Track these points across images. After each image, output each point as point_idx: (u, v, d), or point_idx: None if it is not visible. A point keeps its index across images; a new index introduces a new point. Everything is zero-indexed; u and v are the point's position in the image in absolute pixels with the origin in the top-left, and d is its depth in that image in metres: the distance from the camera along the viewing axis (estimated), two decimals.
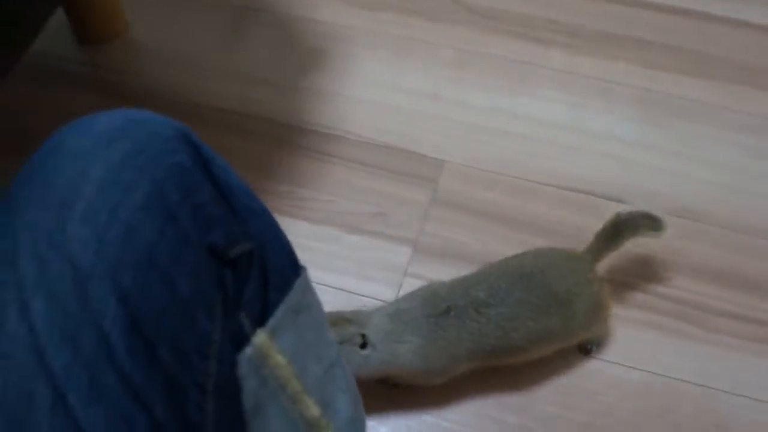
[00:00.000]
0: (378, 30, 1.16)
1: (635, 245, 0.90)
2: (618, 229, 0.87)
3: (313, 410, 0.53)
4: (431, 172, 1.01)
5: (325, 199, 0.99)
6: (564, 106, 1.09)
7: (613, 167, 1.04)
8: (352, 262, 0.93)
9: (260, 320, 0.51)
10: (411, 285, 0.90)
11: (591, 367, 0.87)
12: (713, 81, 1.13)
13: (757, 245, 0.98)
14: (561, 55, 1.14)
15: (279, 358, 0.51)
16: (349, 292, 0.91)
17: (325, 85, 1.10)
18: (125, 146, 0.47)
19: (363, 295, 0.90)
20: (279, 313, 0.52)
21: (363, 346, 0.76)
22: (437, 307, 0.78)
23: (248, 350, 0.49)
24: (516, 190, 1.00)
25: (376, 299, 0.90)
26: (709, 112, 1.10)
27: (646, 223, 0.87)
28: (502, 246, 0.94)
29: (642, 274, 0.94)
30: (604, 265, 0.89)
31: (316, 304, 0.56)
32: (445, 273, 0.87)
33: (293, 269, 0.55)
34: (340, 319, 0.77)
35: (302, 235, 0.94)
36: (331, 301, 0.89)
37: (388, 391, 0.84)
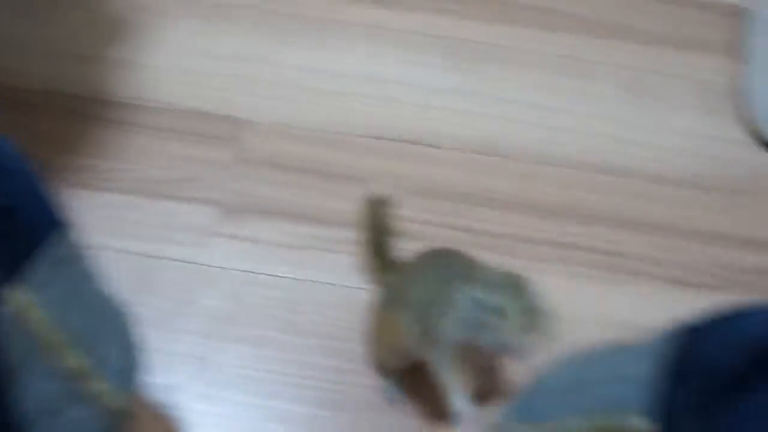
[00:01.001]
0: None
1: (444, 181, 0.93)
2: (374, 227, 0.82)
3: (76, 362, 0.52)
4: (238, 133, 1.01)
5: (130, 168, 0.97)
6: (368, 59, 1.11)
7: (418, 114, 1.07)
8: (159, 228, 0.93)
9: (16, 275, 0.50)
10: (218, 245, 0.91)
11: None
12: (515, 26, 1.17)
13: (559, 174, 1.03)
14: (363, 11, 1.16)
15: (35, 313, 0.50)
16: (157, 257, 0.90)
17: (131, 55, 1.08)
18: None
19: (172, 259, 0.90)
20: (38, 267, 0.51)
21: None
22: None
23: (3, 308, 0.49)
24: (324, 143, 1.02)
25: (185, 261, 0.90)
26: (510, 55, 1.14)
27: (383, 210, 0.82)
28: (310, 198, 0.96)
29: (455, 212, 0.98)
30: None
31: (80, 256, 0.56)
32: (256, 229, 0.88)
33: (55, 223, 0.54)
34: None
35: (109, 206, 0.93)
36: (139, 268, 0.88)
37: None
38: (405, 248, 0.91)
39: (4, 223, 0.50)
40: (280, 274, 0.90)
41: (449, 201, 0.99)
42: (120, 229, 0.91)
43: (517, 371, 0.84)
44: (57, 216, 0.55)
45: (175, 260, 0.90)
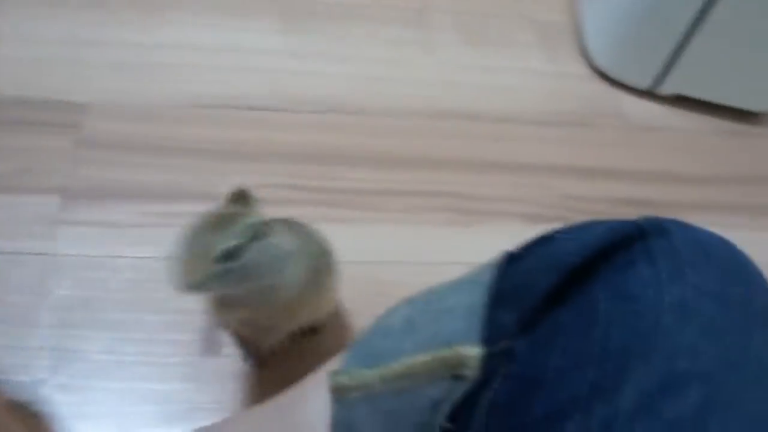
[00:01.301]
0: None
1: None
2: None
3: None
4: (76, 118, 0.99)
5: None
6: (201, 28, 1.10)
7: (259, 79, 1.06)
8: (2, 223, 0.90)
9: None
10: (66, 233, 0.89)
11: None
12: None
13: (406, 125, 1.04)
14: None
15: None
16: (3, 253, 0.87)
17: None
18: None
19: (20, 253, 0.87)
20: None
21: (266, 231, 0.66)
22: None
23: None
24: (167, 120, 1.00)
25: (33, 254, 0.87)
26: (346, 11, 1.15)
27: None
28: (159, 174, 0.94)
29: (303, 174, 0.98)
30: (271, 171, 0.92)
31: None
32: (102, 212, 0.87)
33: None
34: None
35: None
36: None
37: None
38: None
39: None
40: (129, 255, 0.89)
41: (296, 163, 0.99)
42: None
43: None
44: None
45: (23, 253, 0.87)
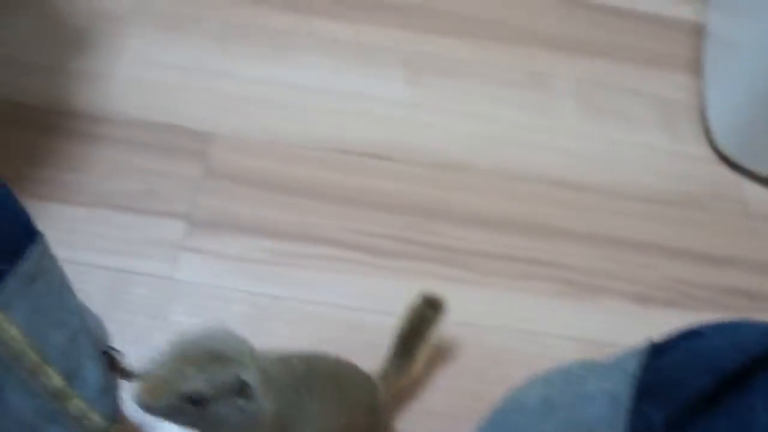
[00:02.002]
0: (142, 8, 1.14)
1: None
2: (408, 342, 0.79)
3: (56, 380, 0.52)
4: (201, 146, 1.01)
5: (91, 181, 0.96)
6: (328, 72, 1.12)
7: (379, 128, 1.07)
8: (124, 242, 0.92)
9: None
10: (186, 259, 0.91)
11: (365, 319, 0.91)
12: (476, 39, 1.19)
13: (517, 188, 1.04)
14: (323, 23, 1.17)
15: (11, 330, 0.50)
16: (125, 272, 0.89)
17: (90, 66, 1.07)
18: None
19: (140, 273, 0.89)
20: (10, 283, 0.51)
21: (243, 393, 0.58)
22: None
23: None
24: (286, 157, 1.02)
25: (153, 276, 0.89)
26: (471, 69, 1.16)
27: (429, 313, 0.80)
28: (276, 212, 0.96)
29: (413, 227, 0.99)
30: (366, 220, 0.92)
31: (55, 270, 0.56)
32: (220, 243, 0.88)
33: (26, 237, 0.54)
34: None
35: (71, 219, 0.92)
36: (106, 283, 0.87)
37: None
38: (362, 261, 0.92)
39: None
40: (244, 289, 0.90)
41: (407, 215, 1.00)
42: (85, 242, 0.90)
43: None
44: (30, 229, 0.54)
45: (142, 274, 0.89)
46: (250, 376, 0.57)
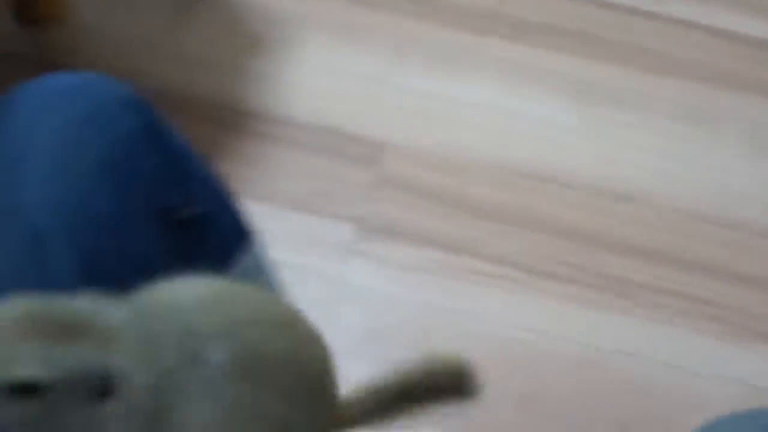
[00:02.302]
0: (322, 15, 1.17)
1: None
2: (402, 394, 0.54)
3: None
4: (373, 153, 1.03)
5: (266, 178, 1.00)
6: (500, 92, 1.12)
7: (550, 153, 1.07)
8: (295, 241, 0.95)
9: None
10: (357, 262, 0.93)
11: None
12: (643, 71, 1.17)
13: (692, 227, 1.02)
14: (501, 45, 1.17)
15: None
16: (298, 269, 0.92)
17: (269, 68, 1.11)
18: (78, 107, 0.48)
19: (313, 272, 0.92)
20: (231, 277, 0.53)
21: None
22: None
23: None
24: (458, 173, 1.03)
25: (326, 276, 0.92)
26: (641, 100, 1.14)
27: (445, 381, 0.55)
28: (445, 225, 0.97)
29: (577, 252, 0.98)
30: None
31: (269, 265, 0.58)
32: (389, 250, 0.90)
33: (244, 233, 0.56)
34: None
35: (246, 214, 0.95)
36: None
37: None
38: (526, 282, 0.92)
39: (201, 231, 0.52)
40: (411, 297, 0.91)
41: (572, 240, 0.99)
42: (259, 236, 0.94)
43: None
44: (245, 225, 0.57)
45: (311, 272, 0.92)
46: (125, 361, 0.36)
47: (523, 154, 1.06)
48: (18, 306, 0.36)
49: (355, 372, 0.84)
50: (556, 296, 0.94)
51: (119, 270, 0.46)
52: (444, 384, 0.55)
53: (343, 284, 0.91)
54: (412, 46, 1.15)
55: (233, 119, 1.05)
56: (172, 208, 0.49)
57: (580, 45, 1.18)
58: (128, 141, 0.48)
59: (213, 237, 0.53)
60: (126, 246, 0.47)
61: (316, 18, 1.17)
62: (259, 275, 0.56)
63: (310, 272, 0.92)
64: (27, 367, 0.34)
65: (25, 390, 0.34)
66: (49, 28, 1.12)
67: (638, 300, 0.95)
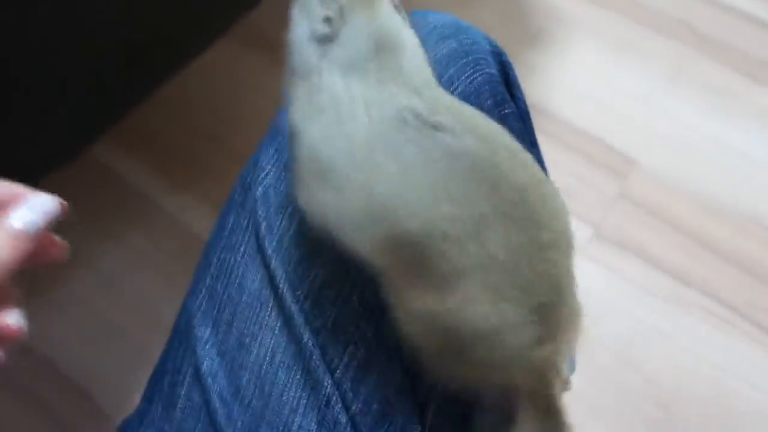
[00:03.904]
0: (601, 23, 1.19)
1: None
2: None
3: None
4: (623, 168, 1.04)
5: None
6: (760, 142, 1.10)
7: None
8: None
9: None
10: (585, 266, 0.94)
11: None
12: None
13: None
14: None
15: None
16: None
17: (539, 60, 1.14)
18: (452, 45, 0.52)
19: None
20: None
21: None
22: None
23: None
24: (702, 209, 1.02)
25: None
26: None
27: None
28: (681, 257, 0.97)
29: None
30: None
31: None
32: (619, 262, 0.91)
33: None
34: None
35: None
36: None
37: None
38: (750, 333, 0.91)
39: None
40: (633, 314, 0.92)
41: None
42: None
43: None
44: None
45: None
46: None
47: None
48: None
49: None
50: None
51: None
52: None
53: None
54: (687, 77, 1.15)
55: None
56: None
57: None
58: (491, 84, 0.52)
59: None
60: None
61: (597, 25, 1.19)
62: None
63: None
64: None
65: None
66: None
67: None
